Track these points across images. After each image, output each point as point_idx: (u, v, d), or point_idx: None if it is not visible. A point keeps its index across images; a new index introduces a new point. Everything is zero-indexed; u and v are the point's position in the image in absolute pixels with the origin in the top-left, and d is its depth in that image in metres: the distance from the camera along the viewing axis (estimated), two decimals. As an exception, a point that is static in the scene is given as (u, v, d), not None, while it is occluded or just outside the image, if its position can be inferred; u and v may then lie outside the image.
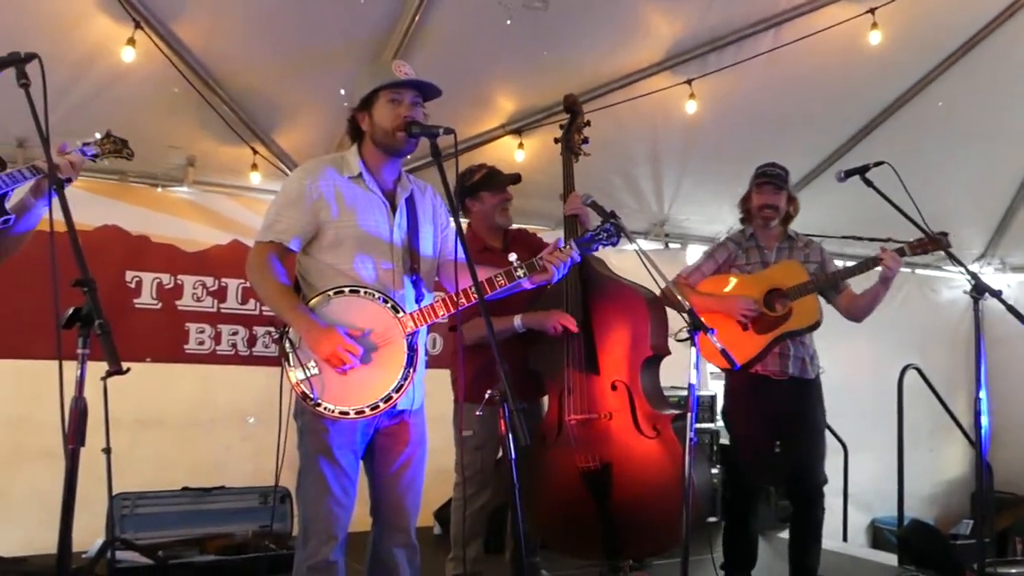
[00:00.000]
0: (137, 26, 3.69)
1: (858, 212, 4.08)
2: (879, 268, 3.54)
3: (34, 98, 2.08)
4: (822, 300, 3.82)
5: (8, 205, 2.37)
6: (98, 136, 2.66)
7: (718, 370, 6.44)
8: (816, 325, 3.75)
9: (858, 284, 3.81)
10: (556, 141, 3.76)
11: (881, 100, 5.42)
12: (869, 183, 3.46)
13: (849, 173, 3.54)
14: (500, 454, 3.74)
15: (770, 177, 3.86)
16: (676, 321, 3.46)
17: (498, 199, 3.70)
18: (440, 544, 4.40)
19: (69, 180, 2.39)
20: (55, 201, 1.98)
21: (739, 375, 3.78)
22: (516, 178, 3.75)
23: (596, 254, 3.71)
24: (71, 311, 1.80)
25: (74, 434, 1.76)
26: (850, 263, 3.90)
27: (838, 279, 3.79)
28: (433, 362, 2.95)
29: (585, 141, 3.74)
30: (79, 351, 1.80)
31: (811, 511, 3.84)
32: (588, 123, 3.76)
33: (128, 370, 1.78)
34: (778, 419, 3.79)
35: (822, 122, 5.49)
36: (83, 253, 1.87)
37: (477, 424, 3.57)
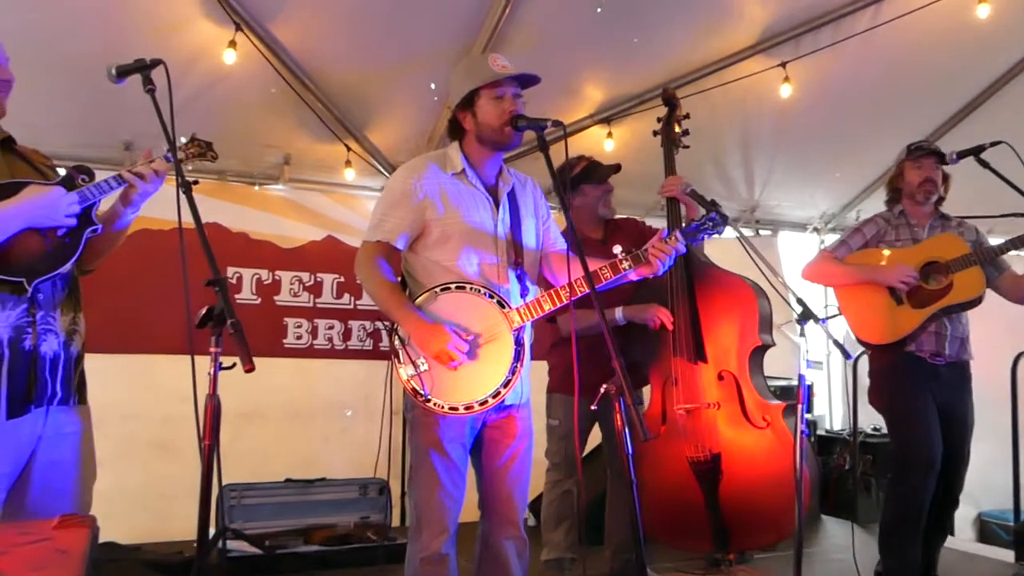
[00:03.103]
0: (238, 28, 3.77)
1: (964, 194, 3.90)
2: None
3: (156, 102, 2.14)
4: None
5: (95, 214, 2.32)
6: (183, 140, 2.59)
7: (816, 359, 6.34)
8: (979, 300, 3.49)
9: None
10: (655, 134, 3.69)
11: (987, 76, 5.17)
12: (985, 164, 3.32)
13: (962, 154, 3.41)
14: (589, 448, 3.75)
15: (930, 151, 3.63)
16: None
17: (600, 191, 3.68)
18: (535, 535, 4.40)
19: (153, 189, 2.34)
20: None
21: (890, 354, 3.59)
22: (616, 168, 3.72)
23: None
24: (205, 310, 1.84)
25: (210, 431, 1.80)
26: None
27: (1002, 251, 3.46)
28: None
29: (686, 133, 3.66)
30: (212, 349, 1.84)
31: (948, 511, 3.65)
32: (687, 115, 3.68)
33: (233, 365, 1.83)
34: (936, 407, 3.52)
35: (922, 102, 5.26)
36: (212, 251, 1.92)
37: (563, 414, 3.58)
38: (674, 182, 3.54)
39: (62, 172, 2.34)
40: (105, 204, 2.37)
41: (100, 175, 4.62)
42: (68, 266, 2.24)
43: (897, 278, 3.51)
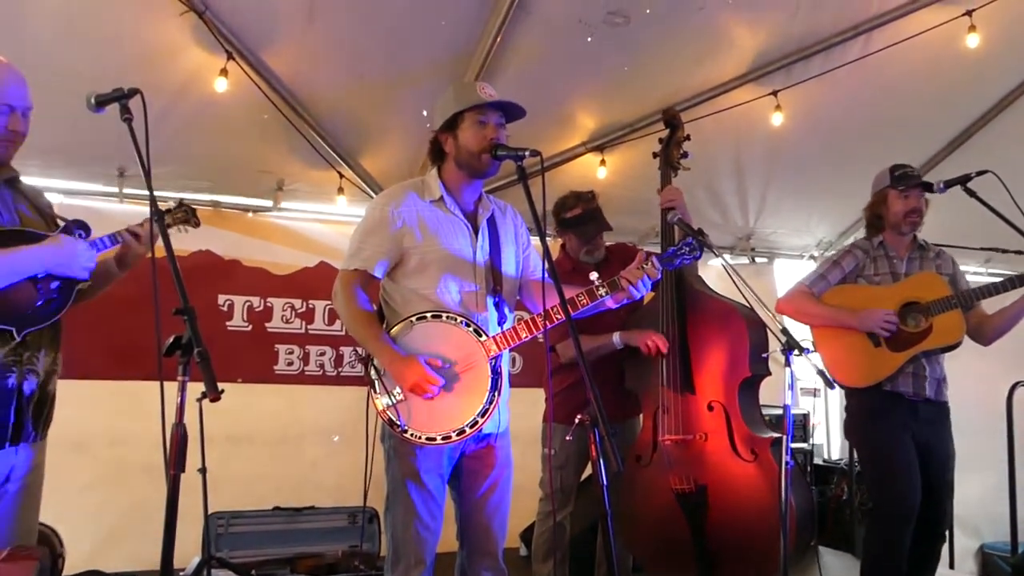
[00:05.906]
0: (229, 57, 3.79)
1: (955, 223, 3.89)
2: None
3: (136, 131, 2.15)
4: None
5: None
6: (171, 206, 2.75)
7: (812, 386, 6.29)
8: (957, 345, 3.44)
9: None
10: (655, 155, 3.66)
11: (979, 106, 5.19)
12: (972, 193, 3.31)
13: (949, 183, 3.38)
14: (584, 475, 3.71)
15: (918, 180, 3.53)
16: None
17: (584, 246, 3.71)
18: (527, 565, 4.36)
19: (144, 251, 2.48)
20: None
21: (869, 392, 3.50)
22: (606, 229, 3.73)
23: (698, 272, 3.65)
24: (172, 339, 1.84)
25: (175, 460, 1.80)
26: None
27: (982, 295, 3.40)
28: (514, 381, 2.93)
29: (684, 155, 3.63)
30: (179, 378, 1.84)
31: (935, 544, 3.57)
32: (688, 137, 3.65)
33: (223, 391, 1.84)
34: (915, 443, 3.46)
35: (914, 131, 5.26)
36: (182, 281, 1.93)
37: (560, 443, 3.55)
38: (670, 191, 3.52)
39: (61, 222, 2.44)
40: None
41: (94, 204, 4.64)
42: (57, 318, 2.33)
43: (878, 325, 3.43)
